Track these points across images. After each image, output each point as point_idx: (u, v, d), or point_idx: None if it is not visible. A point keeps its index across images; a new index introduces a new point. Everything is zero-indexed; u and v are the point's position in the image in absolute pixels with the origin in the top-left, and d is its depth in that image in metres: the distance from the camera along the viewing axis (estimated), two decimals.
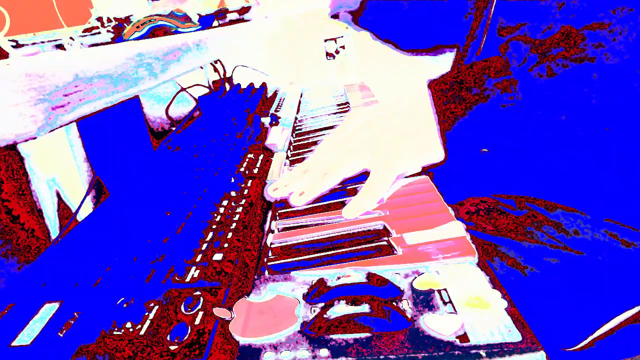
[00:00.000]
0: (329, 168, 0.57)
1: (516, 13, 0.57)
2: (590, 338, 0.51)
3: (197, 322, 0.40)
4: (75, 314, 0.42)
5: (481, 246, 0.45)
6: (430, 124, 0.54)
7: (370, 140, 0.57)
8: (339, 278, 0.43)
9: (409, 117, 0.56)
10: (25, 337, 0.40)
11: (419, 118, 0.55)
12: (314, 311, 0.39)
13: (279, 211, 0.62)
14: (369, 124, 0.59)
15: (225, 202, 0.64)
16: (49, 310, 0.43)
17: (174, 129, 1.19)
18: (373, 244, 0.49)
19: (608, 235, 0.51)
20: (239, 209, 0.61)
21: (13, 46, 0.94)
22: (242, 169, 0.77)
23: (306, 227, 0.56)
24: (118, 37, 1.13)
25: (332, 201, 0.61)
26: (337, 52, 2.21)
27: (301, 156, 0.83)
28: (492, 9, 0.63)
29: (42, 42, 1.04)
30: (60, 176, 0.77)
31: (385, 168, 0.55)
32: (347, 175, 0.56)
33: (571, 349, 0.52)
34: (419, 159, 0.56)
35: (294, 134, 0.97)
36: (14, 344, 0.40)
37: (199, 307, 0.42)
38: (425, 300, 0.39)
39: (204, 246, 0.53)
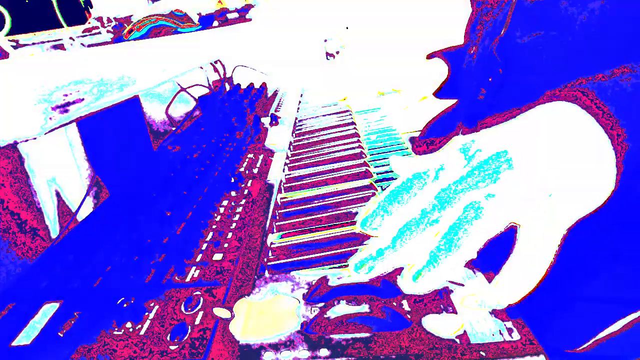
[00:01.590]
0: (461, 230, 0.34)
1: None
2: (592, 340, 0.51)
3: (197, 322, 0.40)
4: (75, 314, 0.42)
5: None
6: (601, 139, 0.35)
7: (520, 179, 0.35)
8: (339, 278, 0.43)
9: (570, 135, 0.36)
10: (25, 337, 0.40)
11: (583, 136, 0.36)
12: (314, 311, 0.39)
13: (279, 211, 0.62)
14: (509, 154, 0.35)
15: (225, 202, 0.64)
16: (49, 310, 0.43)
17: (174, 129, 1.19)
18: None
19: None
20: (239, 209, 0.61)
21: (13, 46, 0.94)
22: (242, 169, 0.77)
23: (306, 222, 0.56)
24: (118, 37, 1.13)
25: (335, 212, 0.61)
26: (337, 52, 2.21)
27: (301, 156, 0.83)
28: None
29: (42, 42, 1.04)
30: (60, 176, 0.77)
31: (550, 219, 0.34)
32: (489, 237, 0.34)
33: (573, 351, 0.52)
34: (592, 196, 0.35)
35: (294, 134, 0.97)
36: (14, 344, 0.40)
37: (199, 307, 0.42)
38: (425, 300, 0.39)
39: (204, 246, 0.53)
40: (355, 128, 0.93)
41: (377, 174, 0.70)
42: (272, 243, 0.54)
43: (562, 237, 0.34)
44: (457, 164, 0.36)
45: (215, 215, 0.61)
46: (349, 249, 0.49)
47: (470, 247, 0.33)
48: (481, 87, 0.68)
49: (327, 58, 2.19)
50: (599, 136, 0.34)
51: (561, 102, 0.37)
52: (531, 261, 0.33)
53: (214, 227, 0.57)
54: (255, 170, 0.76)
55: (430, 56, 0.97)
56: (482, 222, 0.33)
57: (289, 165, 0.79)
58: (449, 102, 0.94)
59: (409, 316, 0.37)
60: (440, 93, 0.95)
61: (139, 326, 0.40)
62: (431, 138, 0.94)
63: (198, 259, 0.50)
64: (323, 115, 1.09)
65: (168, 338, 0.38)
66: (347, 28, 2.21)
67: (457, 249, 0.33)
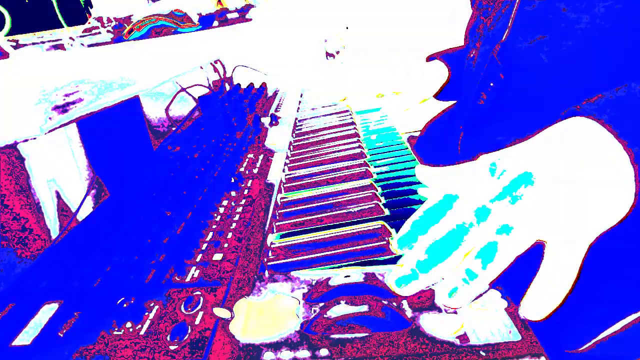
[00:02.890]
0: (494, 250, 0.35)
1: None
2: (592, 341, 0.51)
3: (197, 322, 0.40)
4: (75, 314, 0.42)
5: None
6: (617, 148, 0.35)
7: (545, 198, 0.35)
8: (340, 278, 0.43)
9: (590, 147, 0.36)
10: (25, 337, 0.40)
11: (602, 146, 0.36)
12: (314, 311, 0.39)
13: (279, 211, 0.62)
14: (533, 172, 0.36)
15: (225, 202, 0.64)
16: (49, 310, 0.43)
17: (174, 129, 1.19)
18: (373, 244, 0.49)
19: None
20: (239, 209, 0.61)
21: (13, 46, 0.95)
22: (242, 169, 0.77)
23: (307, 222, 0.56)
24: (118, 37, 1.13)
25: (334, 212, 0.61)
26: (337, 52, 2.21)
27: (301, 156, 0.83)
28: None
29: (42, 42, 1.04)
30: (60, 176, 0.77)
31: (574, 236, 0.35)
32: (518, 254, 0.35)
33: (573, 351, 0.52)
34: (613, 211, 0.36)
35: (294, 134, 0.97)
36: (14, 344, 0.40)
37: (199, 307, 0.42)
38: (425, 300, 0.39)
39: (204, 246, 0.53)
40: (355, 128, 0.93)
41: (377, 174, 0.70)
42: (272, 243, 0.54)
43: (585, 253, 0.35)
44: (485, 185, 0.38)
45: (215, 215, 0.61)
46: (349, 249, 0.49)
47: (502, 264, 0.35)
48: (482, 91, 0.68)
49: (327, 58, 2.19)
50: (619, 153, 0.35)
51: (581, 118, 0.38)
52: (558, 279, 0.35)
53: (214, 227, 0.57)
54: (255, 170, 0.76)
55: (430, 58, 0.97)
56: (513, 240, 0.35)
57: (289, 165, 0.79)
58: (449, 104, 0.94)
59: (408, 316, 0.37)
60: (440, 95, 0.95)
61: (139, 326, 0.40)
62: (432, 139, 0.94)
63: (198, 259, 0.50)
64: (323, 115, 1.09)
65: (168, 338, 0.38)
66: (347, 28, 2.21)
67: (490, 267, 0.35)
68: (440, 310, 0.38)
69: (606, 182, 0.35)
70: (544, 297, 0.35)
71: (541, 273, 0.35)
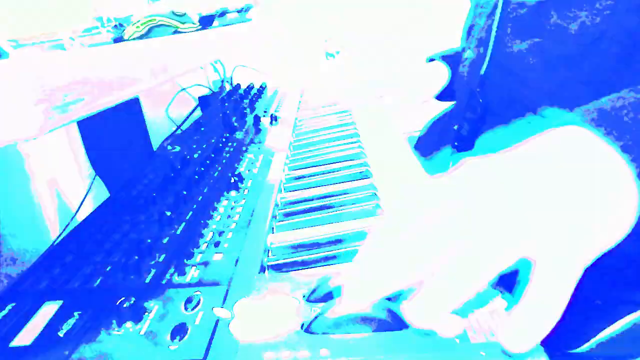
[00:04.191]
0: (472, 266, 0.29)
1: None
2: (592, 341, 0.51)
3: (197, 322, 0.40)
4: (75, 314, 0.42)
5: None
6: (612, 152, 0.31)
7: (539, 207, 0.30)
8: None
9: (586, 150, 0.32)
10: (25, 337, 0.40)
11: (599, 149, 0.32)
12: (314, 311, 0.39)
13: (279, 211, 0.62)
14: (526, 180, 0.31)
15: (225, 202, 0.64)
16: (49, 310, 0.43)
17: (174, 129, 1.19)
18: None
19: None
20: (239, 209, 0.61)
21: (13, 46, 0.94)
22: (242, 169, 0.77)
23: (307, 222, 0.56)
24: (118, 37, 1.13)
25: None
26: (337, 51, 2.21)
27: (301, 156, 0.83)
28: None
29: (42, 42, 1.04)
30: (60, 176, 0.77)
31: (569, 254, 0.30)
32: (499, 271, 0.30)
33: (573, 351, 0.52)
34: (616, 228, 0.31)
35: (294, 134, 0.97)
36: (14, 344, 0.40)
37: (199, 307, 0.42)
38: None
39: (204, 246, 0.53)
40: (355, 128, 0.93)
41: None
42: (272, 243, 0.54)
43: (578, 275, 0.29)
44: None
45: (215, 215, 0.61)
46: (348, 249, 0.49)
47: (479, 283, 0.29)
48: (478, 92, 0.68)
49: (327, 58, 2.19)
50: (620, 168, 0.31)
51: (577, 127, 0.33)
52: (546, 307, 0.29)
53: (214, 227, 0.57)
54: (255, 170, 0.76)
55: (430, 59, 0.97)
56: (493, 257, 0.29)
57: (289, 165, 0.79)
58: (449, 105, 0.94)
59: None
60: (440, 96, 0.95)
61: (139, 326, 0.40)
62: (431, 139, 0.94)
63: (198, 259, 0.50)
64: (323, 115, 1.09)
65: (168, 338, 0.38)
66: (346, 28, 2.21)
67: (466, 288, 0.29)
68: None
69: (608, 201, 0.30)
70: (530, 327, 0.28)
71: (527, 299, 0.29)
